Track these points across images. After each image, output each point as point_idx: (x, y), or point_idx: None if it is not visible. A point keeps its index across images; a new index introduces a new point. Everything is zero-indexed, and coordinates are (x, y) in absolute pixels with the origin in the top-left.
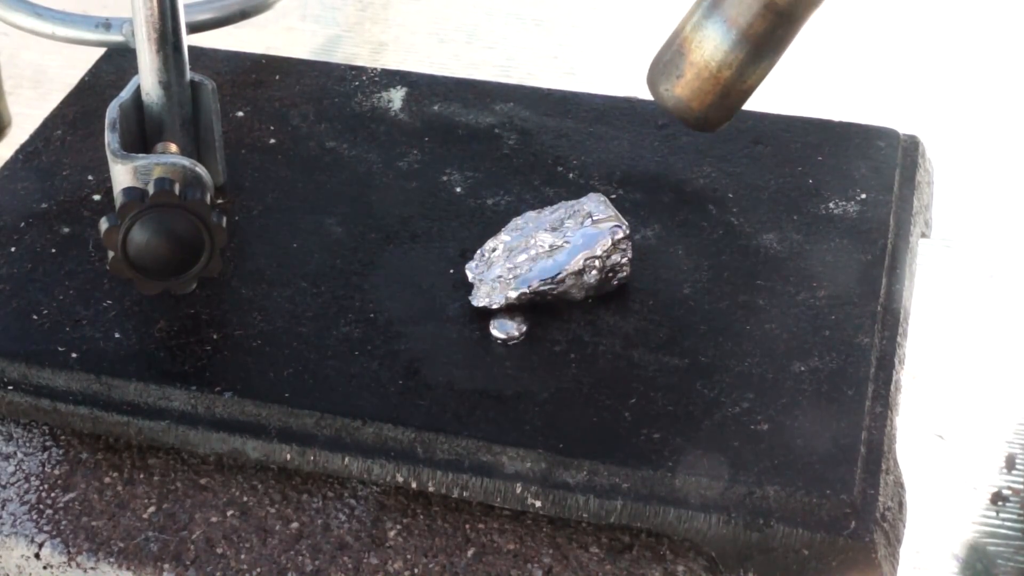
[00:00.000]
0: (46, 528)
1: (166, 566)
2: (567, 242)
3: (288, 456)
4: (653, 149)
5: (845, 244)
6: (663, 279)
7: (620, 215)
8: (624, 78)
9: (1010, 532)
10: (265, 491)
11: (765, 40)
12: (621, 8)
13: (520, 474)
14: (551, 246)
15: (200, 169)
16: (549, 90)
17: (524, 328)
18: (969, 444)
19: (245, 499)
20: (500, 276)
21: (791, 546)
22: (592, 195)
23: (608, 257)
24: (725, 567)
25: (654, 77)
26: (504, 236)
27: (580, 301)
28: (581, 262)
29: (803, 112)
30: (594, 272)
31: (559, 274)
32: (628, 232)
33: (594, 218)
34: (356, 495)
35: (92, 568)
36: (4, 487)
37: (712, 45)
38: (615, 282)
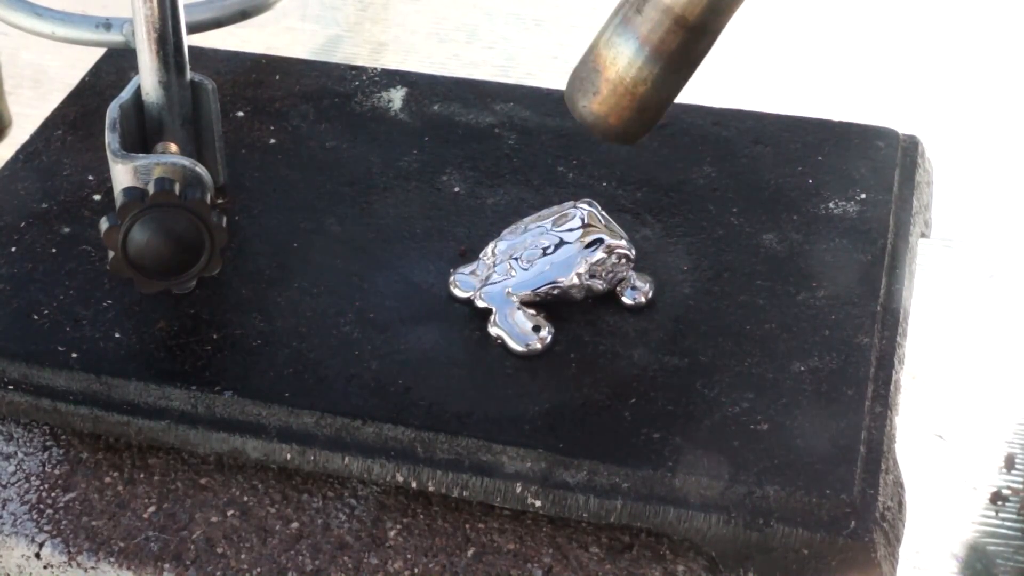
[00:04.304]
0: (46, 528)
1: (166, 566)
2: (567, 242)
3: (288, 456)
4: (653, 149)
5: (845, 244)
6: (663, 279)
7: (617, 225)
8: None
9: (1009, 532)
10: (265, 491)
11: (679, 55)
12: None
13: (520, 474)
14: (551, 246)
15: (200, 169)
16: (549, 90)
17: (548, 338)
18: (969, 444)
19: (245, 499)
20: (500, 277)
21: (791, 546)
22: (590, 200)
23: (608, 257)
24: (725, 567)
25: (572, 94)
26: (504, 237)
27: (580, 301)
28: (581, 262)
29: (803, 112)
30: (594, 273)
31: (559, 274)
32: (627, 237)
33: (594, 219)
34: (356, 495)
35: (92, 568)
36: (4, 487)
37: (625, 62)
38: (615, 282)
